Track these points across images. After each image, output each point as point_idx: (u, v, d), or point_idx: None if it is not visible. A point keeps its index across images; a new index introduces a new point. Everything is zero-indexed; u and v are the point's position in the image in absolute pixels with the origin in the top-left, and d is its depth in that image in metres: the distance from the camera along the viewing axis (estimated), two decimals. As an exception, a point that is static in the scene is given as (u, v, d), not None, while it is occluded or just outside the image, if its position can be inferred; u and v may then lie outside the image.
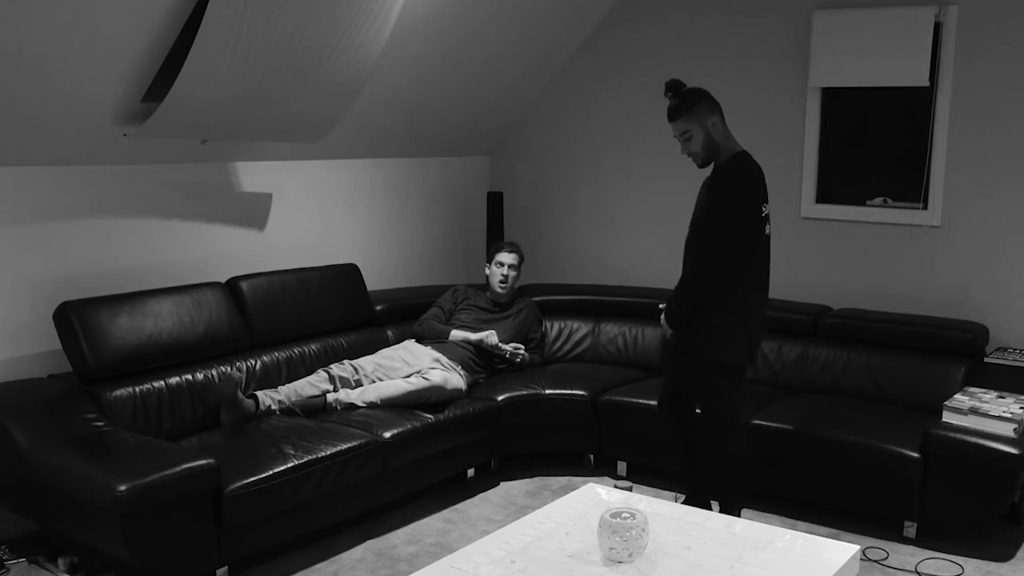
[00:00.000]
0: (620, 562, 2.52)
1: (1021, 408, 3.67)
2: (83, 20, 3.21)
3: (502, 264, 4.75)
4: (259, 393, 3.95)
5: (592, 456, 4.58)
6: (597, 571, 2.51)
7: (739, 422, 3.64)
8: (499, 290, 4.77)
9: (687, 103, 3.45)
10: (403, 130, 5.15)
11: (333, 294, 4.56)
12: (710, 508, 3.52)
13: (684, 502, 3.72)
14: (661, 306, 3.65)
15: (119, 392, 3.65)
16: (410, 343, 4.56)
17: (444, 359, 4.40)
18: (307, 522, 3.60)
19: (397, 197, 5.37)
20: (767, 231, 3.47)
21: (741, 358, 3.53)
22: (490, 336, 4.56)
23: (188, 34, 3.45)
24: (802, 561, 2.57)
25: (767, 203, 3.46)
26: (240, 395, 3.83)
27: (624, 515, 2.53)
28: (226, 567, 3.35)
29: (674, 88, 3.48)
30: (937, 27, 4.38)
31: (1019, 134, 4.30)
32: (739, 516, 3.55)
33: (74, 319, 3.58)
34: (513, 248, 4.81)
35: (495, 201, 5.69)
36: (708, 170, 3.59)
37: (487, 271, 4.84)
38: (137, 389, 3.71)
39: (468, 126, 5.57)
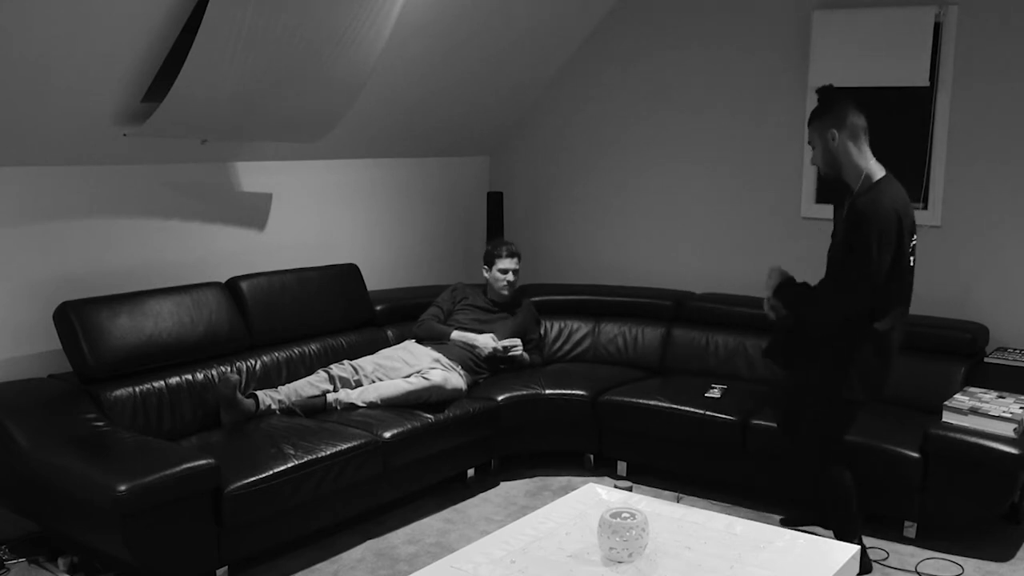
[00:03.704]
0: (620, 562, 2.52)
1: (1021, 408, 3.67)
2: (83, 20, 3.21)
3: (505, 271, 4.72)
4: (259, 393, 3.95)
5: (592, 456, 4.58)
6: (597, 571, 2.51)
7: (844, 448, 3.48)
8: (504, 293, 4.77)
9: (815, 110, 3.34)
10: (403, 130, 5.15)
11: (333, 294, 4.55)
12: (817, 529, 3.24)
13: (782, 523, 3.57)
14: (768, 295, 3.46)
15: (119, 392, 3.65)
16: (410, 343, 4.55)
17: (444, 359, 4.39)
18: (307, 522, 3.60)
19: (397, 197, 5.37)
20: (912, 263, 3.29)
21: (865, 394, 3.33)
22: (486, 348, 4.54)
23: (188, 34, 3.45)
24: (802, 561, 2.57)
25: (915, 235, 3.28)
26: (239, 396, 3.83)
27: (624, 515, 2.53)
28: (226, 567, 3.35)
29: (818, 92, 3.38)
30: (937, 27, 4.38)
31: (1019, 134, 4.30)
32: (860, 544, 3.39)
33: (74, 319, 3.58)
34: (512, 252, 4.77)
35: (495, 201, 5.69)
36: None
37: (485, 274, 4.82)
38: (137, 389, 3.70)
39: (468, 126, 5.57)
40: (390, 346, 4.57)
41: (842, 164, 3.32)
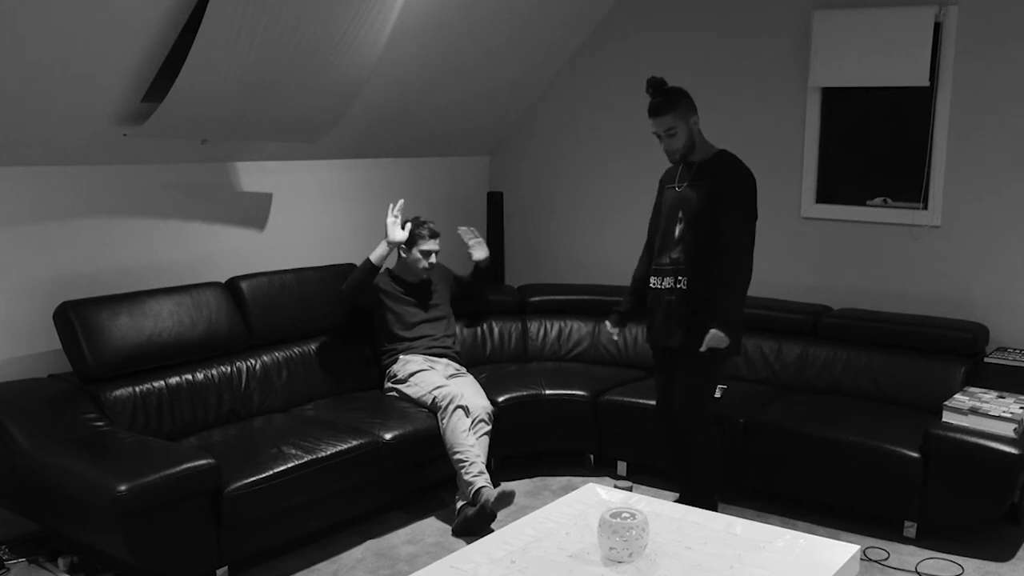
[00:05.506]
0: (620, 562, 2.53)
1: (1021, 408, 3.67)
2: (83, 20, 3.21)
3: (428, 253, 4.45)
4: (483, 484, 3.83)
5: (592, 456, 4.58)
6: (597, 571, 2.51)
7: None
8: (424, 276, 4.54)
9: (672, 100, 3.55)
10: (403, 130, 5.15)
11: (333, 294, 4.55)
12: (704, 506, 3.54)
13: (679, 500, 3.74)
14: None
15: (119, 392, 3.66)
16: (410, 365, 4.38)
17: (440, 364, 4.38)
18: (307, 522, 3.60)
19: (397, 197, 5.34)
20: None
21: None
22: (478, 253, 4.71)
23: (188, 34, 3.45)
24: (802, 561, 2.57)
25: None
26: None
27: (624, 515, 2.53)
28: (226, 567, 3.35)
29: (656, 86, 3.58)
30: (937, 27, 4.38)
31: (1019, 134, 4.30)
32: (715, 507, 3.71)
33: (74, 319, 3.58)
34: (434, 233, 4.49)
35: (495, 201, 5.69)
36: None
37: (403, 255, 4.47)
38: (137, 389, 3.71)
39: (468, 126, 5.57)
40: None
41: (697, 144, 3.62)
